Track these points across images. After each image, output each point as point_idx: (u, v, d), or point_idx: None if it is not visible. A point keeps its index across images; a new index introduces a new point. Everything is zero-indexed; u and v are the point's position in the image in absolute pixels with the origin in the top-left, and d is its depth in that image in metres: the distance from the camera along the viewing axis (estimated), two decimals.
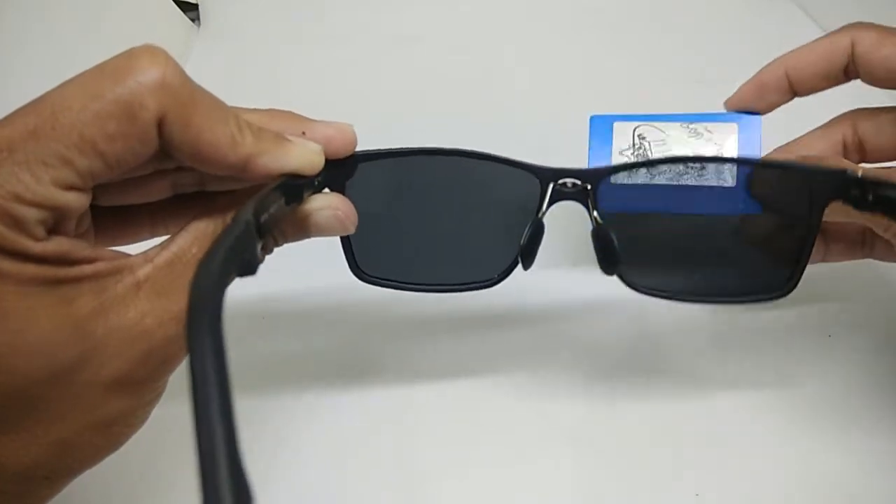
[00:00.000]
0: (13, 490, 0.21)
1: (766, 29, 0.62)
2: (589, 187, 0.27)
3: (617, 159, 0.29)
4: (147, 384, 0.22)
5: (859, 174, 0.25)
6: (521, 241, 0.28)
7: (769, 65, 0.31)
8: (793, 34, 0.60)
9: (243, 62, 0.62)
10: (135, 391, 0.22)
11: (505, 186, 0.28)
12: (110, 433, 0.22)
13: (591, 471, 0.30)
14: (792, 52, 0.30)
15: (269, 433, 0.33)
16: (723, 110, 0.31)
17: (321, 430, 0.33)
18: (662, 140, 0.29)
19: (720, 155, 0.28)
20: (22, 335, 0.19)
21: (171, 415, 0.24)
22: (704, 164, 0.27)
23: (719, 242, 0.29)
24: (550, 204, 0.27)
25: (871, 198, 0.24)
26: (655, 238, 0.29)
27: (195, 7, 0.68)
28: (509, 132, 0.48)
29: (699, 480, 0.30)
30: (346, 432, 0.33)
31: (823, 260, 0.31)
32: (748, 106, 0.30)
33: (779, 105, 0.31)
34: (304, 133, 0.25)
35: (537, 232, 0.28)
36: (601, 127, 0.28)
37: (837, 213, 0.26)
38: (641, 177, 0.28)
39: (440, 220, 0.30)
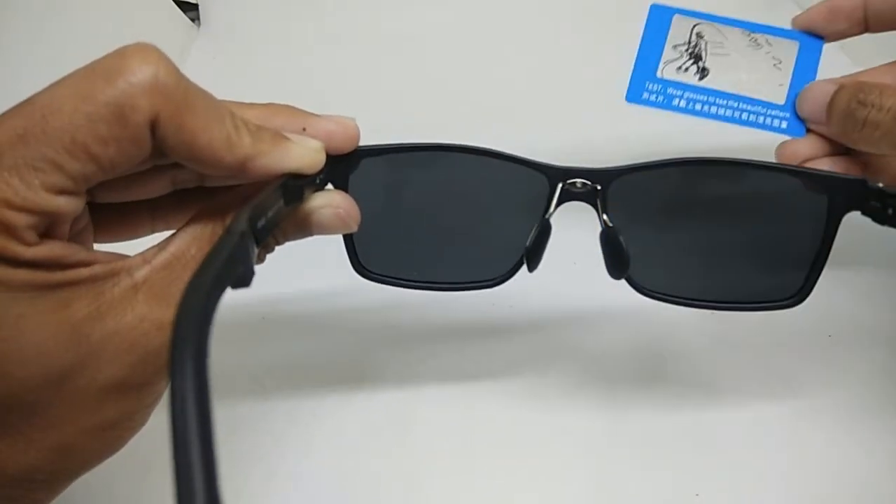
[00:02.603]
0: (11, 493, 0.21)
1: None
2: (599, 188, 0.26)
3: (669, 54, 0.28)
4: (145, 388, 0.22)
5: (880, 185, 0.24)
6: (527, 243, 0.27)
7: None
8: None
9: (243, 62, 0.62)
10: (133, 395, 0.21)
11: (512, 185, 0.27)
12: (109, 437, 0.22)
13: (592, 472, 0.30)
14: None
15: (269, 439, 0.32)
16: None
17: (322, 436, 0.32)
18: (720, 43, 0.27)
19: (777, 69, 0.27)
20: (14, 342, 0.19)
21: None
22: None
23: (732, 248, 0.28)
24: (559, 204, 0.27)
25: (891, 211, 0.23)
26: (667, 242, 0.29)
27: (195, 7, 0.68)
28: (512, 132, 0.48)
29: (699, 481, 0.30)
30: (347, 439, 0.32)
31: None
32: (815, 28, 0.29)
33: (846, 36, 0.29)
34: (304, 129, 0.24)
35: (544, 233, 0.27)
36: (660, 17, 0.27)
37: None
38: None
39: (445, 218, 0.29)
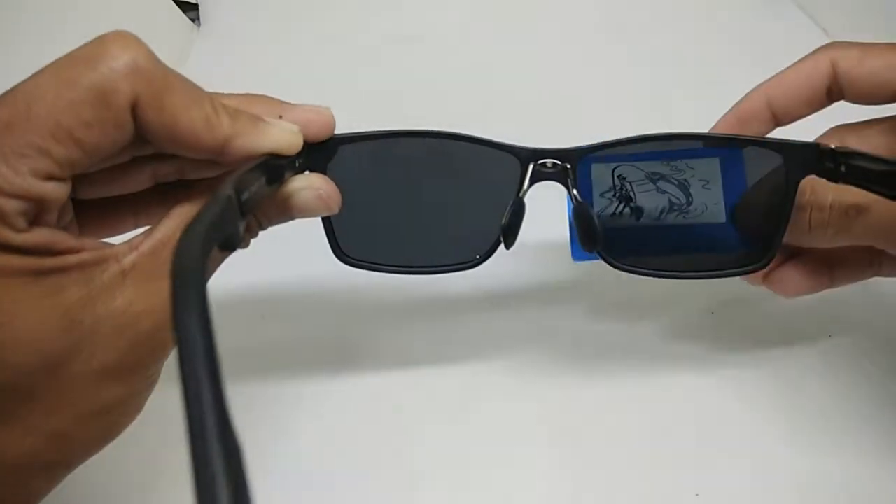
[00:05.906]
0: (10, 482, 0.21)
1: (768, 31, 0.62)
2: (569, 167, 0.27)
3: (599, 202, 0.29)
4: (139, 372, 0.22)
5: (831, 146, 0.24)
6: (503, 221, 0.28)
7: (748, 95, 0.29)
8: (794, 36, 0.60)
9: (243, 62, 0.63)
10: (127, 379, 0.22)
11: (486, 168, 0.28)
12: (105, 423, 0.22)
13: (591, 470, 0.30)
14: (771, 79, 0.29)
15: (256, 420, 0.33)
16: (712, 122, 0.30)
17: (308, 417, 0.33)
18: (644, 180, 0.28)
19: (706, 190, 0.28)
20: (8, 327, 0.19)
21: (169, 403, 0.25)
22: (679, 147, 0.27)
23: (700, 219, 0.29)
24: (531, 184, 0.28)
25: (843, 169, 0.24)
26: (635, 216, 0.29)
27: (195, 7, 0.68)
28: (509, 133, 0.48)
29: (699, 480, 0.30)
30: (333, 419, 0.33)
31: (831, 286, 0.29)
32: None
33: (763, 134, 0.29)
34: (281, 116, 0.25)
35: (518, 211, 0.28)
36: (580, 171, 0.28)
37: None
38: (627, 219, 0.28)
39: (422, 203, 0.30)
